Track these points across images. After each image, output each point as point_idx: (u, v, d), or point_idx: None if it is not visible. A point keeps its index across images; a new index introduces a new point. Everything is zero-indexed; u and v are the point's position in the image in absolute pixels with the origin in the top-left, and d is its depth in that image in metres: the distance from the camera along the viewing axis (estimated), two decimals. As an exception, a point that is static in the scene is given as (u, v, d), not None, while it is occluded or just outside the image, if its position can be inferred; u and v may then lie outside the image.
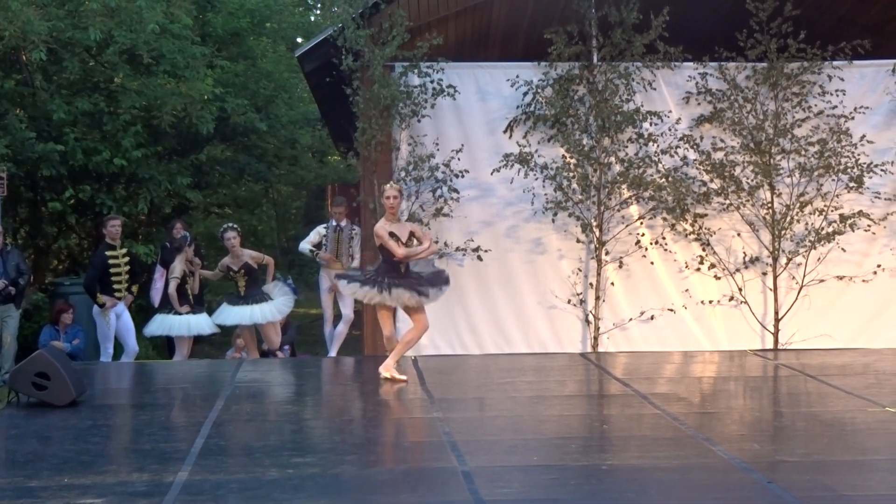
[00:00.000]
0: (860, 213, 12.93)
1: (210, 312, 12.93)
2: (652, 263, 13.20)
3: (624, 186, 12.97)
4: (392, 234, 10.18)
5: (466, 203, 13.02)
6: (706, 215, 13.10)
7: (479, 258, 12.95)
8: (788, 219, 12.99)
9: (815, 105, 13.15)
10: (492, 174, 12.96)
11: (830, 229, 12.92)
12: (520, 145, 12.92)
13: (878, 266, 13.16)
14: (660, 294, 13.20)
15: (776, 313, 13.05)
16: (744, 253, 13.21)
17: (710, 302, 13.18)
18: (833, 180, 13.03)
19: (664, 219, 13.06)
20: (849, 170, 12.96)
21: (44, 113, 14.85)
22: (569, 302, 13.12)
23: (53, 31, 14.35)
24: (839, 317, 13.13)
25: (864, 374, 10.95)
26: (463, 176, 12.92)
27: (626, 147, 13.01)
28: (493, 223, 13.20)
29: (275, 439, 8.13)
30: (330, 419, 9.27)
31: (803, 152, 13.04)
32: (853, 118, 13.08)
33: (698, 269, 13.17)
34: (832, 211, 13.00)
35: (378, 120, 12.76)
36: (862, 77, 13.34)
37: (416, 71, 12.89)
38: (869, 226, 13.00)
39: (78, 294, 13.60)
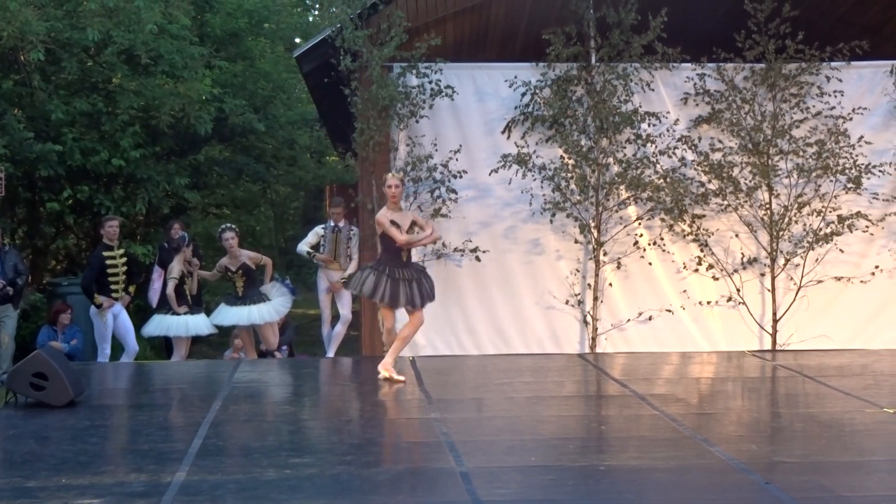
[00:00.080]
0: (858, 214, 12.94)
1: (208, 313, 12.93)
2: (650, 264, 13.20)
3: (622, 187, 12.97)
4: (393, 222, 10.20)
5: (464, 204, 13.02)
6: (704, 216, 13.10)
7: (478, 259, 12.94)
8: (786, 220, 12.99)
9: (814, 106, 13.15)
10: (490, 175, 12.95)
11: (828, 230, 12.92)
12: (518, 146, 12.92)
13: (877, 267, 13.16)
14: (658, 295, 13.20)
15: (774, 314, 13.05)
16: (742, 254, 13.21)
17: (709, 303, 13.18)
18: (831, 181, 13.03)
19: (662, 219, 13.06)
20: (847, 171, 12.96)
21: (42, 113, 14.85)
22: (567, 303, 13.12)
23: (51, 32, 14.34)
24: (837, 318, 13.13)
25: (862, 375, 10.96)
26: (461, 176, 12.92)
27: (625, 148, 13.01)
28: (491, 224, 13.20)
29: (273, 440, 8.13)
30: (328, 420, 9.27)
31: (801, 153, 13.05)
32: (851, 119, 13.09)
33: (696, 270, 13.16)
34: (830, 212, 13.01)
35: (376, 120, 12.76)
36: (860, 78, 13.34)
37: (414, 71, 12.89)
38: (867, 227, 13.00)
39: (76, 294, 13.59)
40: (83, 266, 14.97)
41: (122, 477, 6.86)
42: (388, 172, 11.30)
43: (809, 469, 6.99)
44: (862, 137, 13.02)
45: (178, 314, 12.57)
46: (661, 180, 12.90)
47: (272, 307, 12.63)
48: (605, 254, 13.05)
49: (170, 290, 12.59)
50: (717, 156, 13.07)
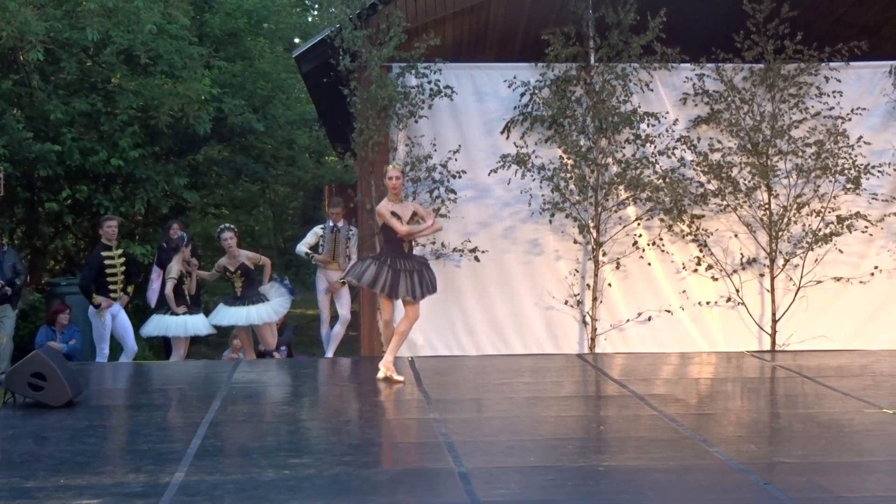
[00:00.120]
0: (857, 215, 12.94)
1: (207, 313, 12.92)
2: (649, 264, 13.19)
3: (621, 187, 12.97)
4: (394, 213, 10.17)
5: (463, 204, 13.02)
6: (703, 216, 13.10)
7: (476, 259, 12.94)
8: (786, 220, 12.99)
9: (812, 106, 13.15)
10: (489, 175, 12.95)
11: (828, 230, 12.92)
12: (517, 146, 12.92)
13: (876, 267, 13.16)
14: (657, 295, 13.20)
15: (773, 314, 13.05)
16: (741, 254, 13.21)
17: (708, 303, 13.18)
18: (830, 182, 13.03)
19: (661, 220, 13.06)
20: (846, 171, 12.97)
21: (41, 113, 14.83)
22: (566, 303, 13.11)
23: (51, 32, 14.33)
24: (836, 318, 13.12)
25: (861, 376, 10.96)
26: (460, 177, 12.92)
27: (624, 148, 13.01)
28: (490, 224, 13.19)
29: (271, 440, 8.13)
30: (327, 420, 9.26)
31: (800, 153, 13.05)
32: (850, 119, 13.09)
33: (695, 271, 13.16)
34: (829, 212, 13.01)
35: (375, 120, 12.75)
36: (859, 78, 13.34)
37: (413, 72, 12.89)
38: (866, 227, 13.00)
39: (74, 294, 13.58)
40: (82, 266, 14.96)
41: (121, 477, 6.85)
42: (388, 165, 11.31)
43: (808, 469, 6.99)
44: (861, 138, 13.02)
45: (176, 314, 12.57)
46: (661, 180, 12.91)
47: (271, 307, 12.62)
48: (604, 254, 13.05)
49: (168, 290, 12.58)
50: (716, 156, 13.07)
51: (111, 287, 12.67)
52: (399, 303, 10.78)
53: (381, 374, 10.40)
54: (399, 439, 8.53)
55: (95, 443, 8.05)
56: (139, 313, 14.41)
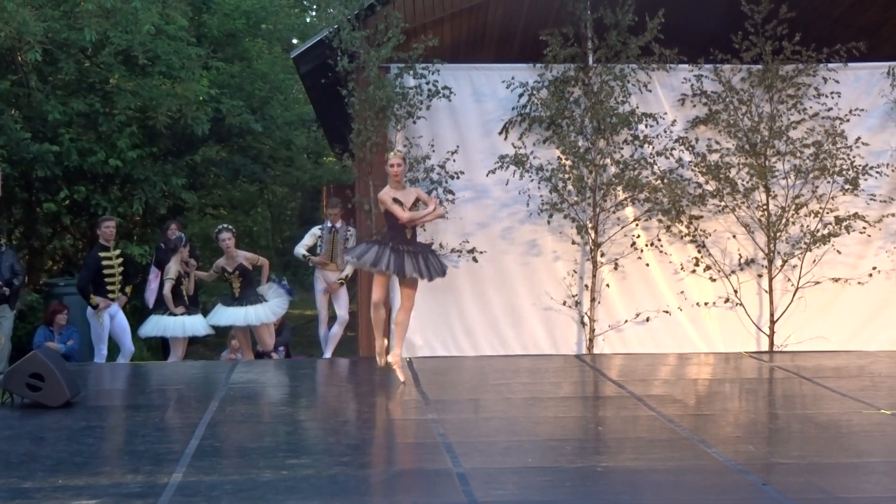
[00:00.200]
0: (855, 216, 12.94)
1: (205, 314, 12.92)
2: (647, 265, 13.19)
3: (619, 188, 12.97)
4: (396, 200, 10.08)
5: (462, 205, 13.02)
6: (701, 217, 13.10)
7: (475, 260, 12.93)
8: (784, 221, 13.00)
9: (811, 107, 13.15)
10: (487, 176, 12.95)
11: (826, 231, 12.92)
12: (515, 147, 12.92)
13: (874, 268, 13.16)
14: (655, 296, 13.20)
15: (771, 315, 13.05)
16: (739, 255, 13.21)
17: (706, 304, 13.18)
18: (828, 182, 13.04)
19: (659, 220, 13.06)
20: (844, 172, 12.97)
21: (39, 113, 14.83)
22: (564, 304, 13.11)
23: (49, 32, 14.33)
24: (834, 319, 13.12)
25: (859, 377, 10.96)
26: (458, 177, 12.92)
27: (622, 149, 13.01)
28: (488, 225, 13.19)
29: (269, 441, 8.12)
30: (325, 420, 9.25)
31: (798, 154, 13.05)
32: (848, 120, 13.09)
33: (694, 271, 13.16)
34: (827, 213, 13.01)
35: (373, 121, 12.75)
36: (857, 79, 13.34)
37: (411, 72, 12.89)
38: (864, 228, 13.00)
39: (72, 295, 13.58)
40: (80, 266, 14.96)
41: (119, 478, 6.85)
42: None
43: (807, 470, 6.99)
44: (859, 139, 13.02)
45: (174, 315, 12.58)
46: (659, 181, 12.91)
47: (269, 308, 12.63)
48: (602, 255, 13.05)
49: (166, 290, 12.59)
50: (715, 157, 13.07)
51: (109, 288, 12.68)
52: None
53: (383, 362, 10.34)
54: (397, 440, 8.54)
55: (93, 443, 8.05)
56: (137, 314, 14.41)
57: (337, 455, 7.61)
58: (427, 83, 12.89)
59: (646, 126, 13.06)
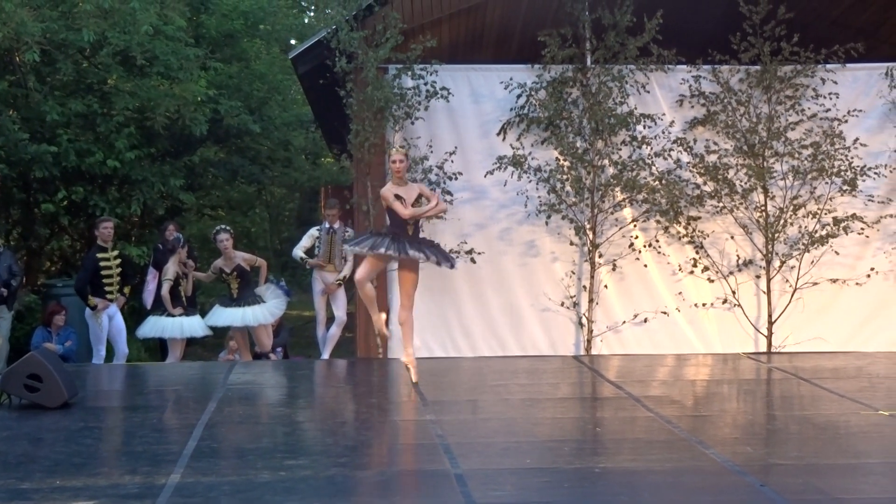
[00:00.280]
0: (853, 217, 12.95)
1: (203, 314, 12.92)
2: (645, 266, 13.20)
3: (617, 189, 12.97)
4: (397, 196, 10.02)
5: (460, 205, 13.01)
6: (699, 218, 13.10)
7: (473, 260, 12.93)
8: (782, 222, 13.00)
9: (809, 108, 13.16)
10: (485, 177, 12.95)
11: (824, 232, 12.93)
12: (513, 148, 12.92)
13: (872, 269, 13.17)
14: (653, 297, 13.21)
15: (769, 316, 13.06)
16: (737, 256, 13.21)
17: (704, 305, 13.19)
18: (826, 183, 13.04)
19: (657, 221, 13.07)
20: (842, 173, 12.97)
21: (37, 114, 14.81)
22: (562, 304, 13.11)
23: (47, 33, 14.31)
24: (832, 320, 13.13)
25: (857, 378, 10.96)
26: (456, 178, 12.93)
27: (620, 150, 13.01)
28: (486, 225, 13.19)
29: (267, 441, 8.12)
30: (323, 421, 9.25)
31: (797, 155, 13.05)
32: (846, 121, 13.09)
33: (692, 272, 13.17)
34: (825, 214, 13.01)
35: (371, 122, 12.75)
36: (855, 80, 13.35)
37: (409, 73, 12.89)
38: (862, 229, 13.01)
39: (70, 296, 13.56)
40: (78, 267, 14.95)
41: (117, 479, 6.84)
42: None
43: (805, 471, 6.98)
44: (857, 139, 13.03)
45: (173, 316, 12.57)
46: (657, 182, 12.91)
47: (266, 309, 12.62)
48: (600, 256, 13.05)
49: (165, 291, 12.58)
50: (713, 158, 13.08)
51: (107, 289, 12.67)
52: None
53: (388, 333, 10.26)
54: (395, 441, 8.52)
55: (91, 444, 8.04)
56: (135, 315, 14.40)
57: (335, 456, 7.60)
58: (425, 84, 12.89)
59: (644, 127, 13.06)
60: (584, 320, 13.02)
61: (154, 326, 12.66)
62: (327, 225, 13.07)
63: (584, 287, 13.07)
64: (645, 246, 13.17)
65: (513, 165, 12.77)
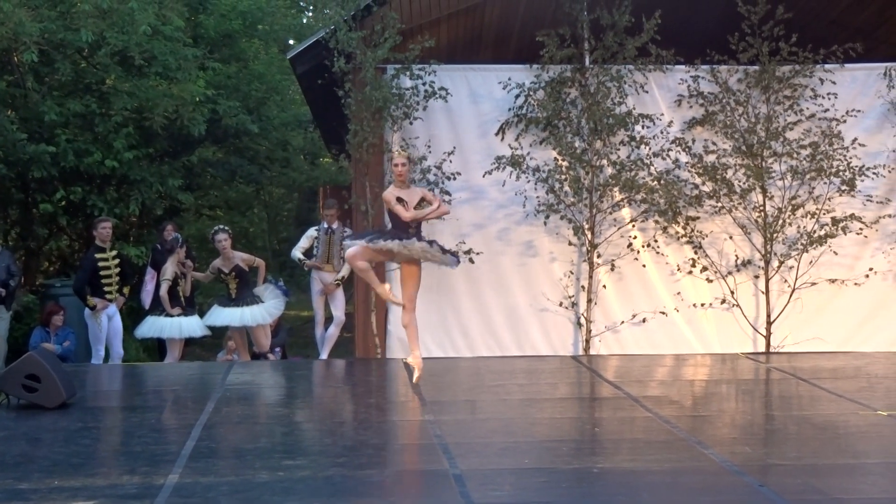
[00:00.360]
0: (852, 217, 12.95)
1: (201, 315, 12.92)
2: (644, 266, 13.20)
3: (616, 189, 12.98)
4: (399, 199, 9.98)
5: (458, 205, 13.01)
6: (698, 218, 13.11)
7: (471, 261, 12.92)
8: (780, 222, 13.00)
9: (807, 108, 13.17)
10: (483, 177, 12.95)
11: (822, 232, 12.93)
12: (512, 148, 12.92)
13: (870, 269, 13.17)
14: (651, 297, 13.21)
15: (768, 316, 13.06)
16: (736, 256, 13.22)
17: (702, 305, 13.19)
18: (825, 183, 13.05)
19: (656, 221, 13.07)
20: (840, 173, 12.98)
21: (35, 114, 14.80)
22: (560, 304, 13.12)
23: (45, 33, 14.30)
24: (831, 320, 13.14)
25: (855, 378, 10.96)
26: (455, 178, 12.93)
27: (618, 150, 13.02)
28: (484, 226, 13.20)
29: (266, 442, 8.11)
30: (321, 422, 9.24)
31: (795, 155, 13.06)
32: (845, 121, 13.10)
33: (690, 272, 13.17)
34: (824, 214, 13.02)
35: (370, 122, 12.75)
36: (854, 80, 13.35)
37: (408, 73, 12.89)
38: (861, 229, 13.01)
39: (69, 296, 13.56)
40: (76, 267, 14.94)
41: (115, 479, 6.83)
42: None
43: (803, 471, 6.98)
44: (856, 140, 13.03)
45: (171, 316, 12.56)
46: (655, 182, 12.91)
47: (265, 309, 12.61)
48: (598, 256, 13.06)
49: (163, 291, 12.57)
50: (711, 158, 13.08)
51: (106, 289, 12.66)
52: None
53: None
54: (393, 441, 8.51)
55: (90, 444, 8.04)
56: (133, 315, 14.40)
57: (333, 456, 7.60)
58: (423, 84, 12.89)
59: (642, 127, 13.07)
60: (583, 320, 13.02)
61: (152, 326, 12.65)
62: (325, 225, 13.06)
63: (583, 287, 13.07)
64: (643, 246, 13.17)
65: (511, 165, 12.77)
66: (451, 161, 12.92)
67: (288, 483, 6.70)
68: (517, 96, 13.06)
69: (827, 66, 13.15)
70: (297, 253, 13.08)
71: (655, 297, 13.21)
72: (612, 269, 13.13)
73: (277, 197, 27.97)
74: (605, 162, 13.01)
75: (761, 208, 13.06)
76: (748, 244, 13.19)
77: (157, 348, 14.48)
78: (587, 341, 12.99)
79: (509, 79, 13.07)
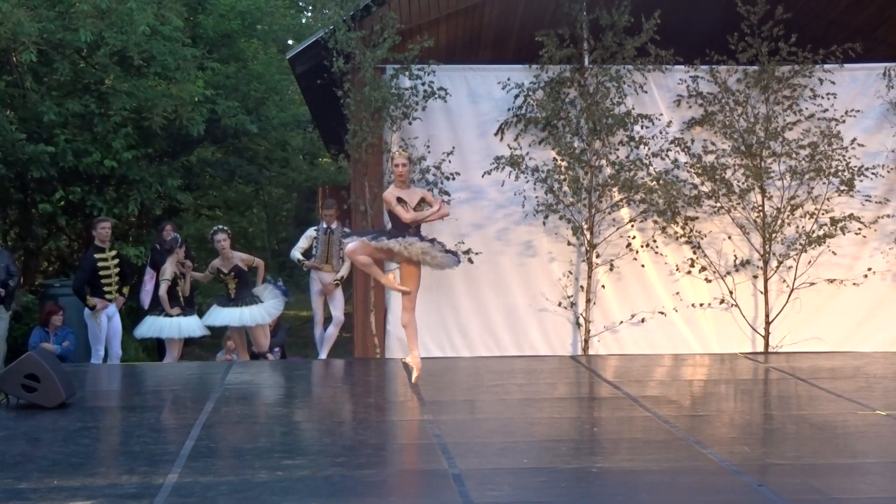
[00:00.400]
0: (851, 217, 12.95)
1: (200, 315, 12.91)
2: (643, 266, 13.20)
3: (615, 189, 12.98)
4: (400, 200, 9.96)
5: (457, 205, 13.00)
6: (697, 218, 13.11)
7: (470, 261, 12.91)
8: (779, 222, 13.01)
9: (806, 108, 13.17)
10: (483, 177, 12.95)
11: (821, 232, 12.93)
12: (511, 148, 12.92)
13: (869, 269, 13.18)
14: (650, 297, 13.21)
15: (767, 316, 13.06)
16: (734, 256, 13.22)
17: (701, 305, 13.19)
18: (824, 183, 13.05)
19: (655, 221, 13.07)
20: (839, 173, 12.98)
21: (34, 114, 14.79)
22: (559, 304, 13.12)
23: (44, 33, 14.29)
24: (830, 320, 13.14)
25: (854, 378, 10.96)
26: (454, 178, 12.93)
27: (617, 150, 13.02)
28: (483, 226, 13.20)
29: (265, 441, 8.12)
30: (320, 421, 9.25)
31: (794, 155, 13.06)
32: (844, 121, 13.10)
33: (689, 272, 13.17)
34: (823, 214, 13.02)
35: (369, 122, 12.75)
36: (853, 80, 13.35)
37: (407, 73, 12.89)
38: (859, 229, 13.01)
39: (68, 296, 13.55)
40: (75, 267, 14.94)
41: (114, 479, 6.84)
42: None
43: (802, 471, 6.99)
44: (855, 140, 13.03)
45: (170, 316, 12.56)
46: (654, 182, 12.91)
47: (264, 309, 12.60)
48: (597, 256, 13.06)
49: (162, 291, 12.56)
50: (710, 158, 13.08)
51: (106, 289, 12.65)
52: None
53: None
54: (393, 441, 8.52)
55: (89, 444, 8.04)
56: (132, 315, 14.39)
57: (332, 456, 7.61)
58: (423, 84, 12.89)
59: (641, 127, 13.07)
60: (582, 320, 13.02)
61: (152, 326, 12.65)
62: (325, 225, 13.06)
63: (582, 287, 13.07)
64: (642, 246, 13.17)
65: (510, 165, 12.77)
66: (450, 161, 12.93)
67: (287, 483, 6.70)
68: (516, 96, 13.06)
69: (826, 66, 13.16)
70: (296, 253, 13.08)
71: (654, 297, 13.21)
72: (611, 269, 13.14)
73: (276, 197, 27.97)
74: (604, 162, 13.01)
75: (760, 208, 13.07)
76: (747, 244, 13.20)
77: (156, 348, 14.47)
78: (586, 341, 12.99)
79: (508, 79, 13.07)
